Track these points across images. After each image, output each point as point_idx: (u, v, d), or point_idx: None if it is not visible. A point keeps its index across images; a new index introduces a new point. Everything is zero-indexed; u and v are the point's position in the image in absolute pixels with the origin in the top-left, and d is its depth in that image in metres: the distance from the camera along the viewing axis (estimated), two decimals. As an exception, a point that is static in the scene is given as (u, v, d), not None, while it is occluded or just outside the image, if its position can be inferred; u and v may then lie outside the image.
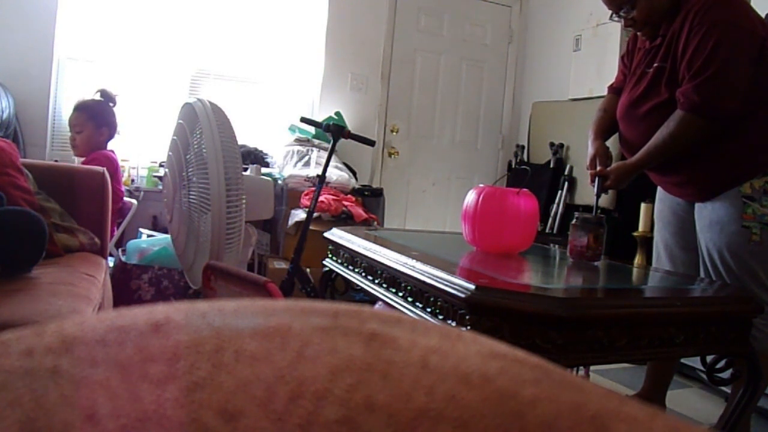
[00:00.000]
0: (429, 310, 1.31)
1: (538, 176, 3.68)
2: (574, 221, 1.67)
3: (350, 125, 3.68)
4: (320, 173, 2.56)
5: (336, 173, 3.40)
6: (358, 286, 1.71)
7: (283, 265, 2.95)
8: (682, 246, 1.91)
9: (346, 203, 3.22)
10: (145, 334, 0.26)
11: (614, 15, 1.80)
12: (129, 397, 0.23)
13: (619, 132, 1.92)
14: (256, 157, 3.51)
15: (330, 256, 1.97)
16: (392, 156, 4.21)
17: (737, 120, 1.65)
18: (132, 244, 2.71)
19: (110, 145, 2.71)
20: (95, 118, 2.61)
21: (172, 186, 2.10)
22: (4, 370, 0.23)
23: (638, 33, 1.84)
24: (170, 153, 2.12)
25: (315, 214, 2.65)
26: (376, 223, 3.24)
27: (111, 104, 2.68)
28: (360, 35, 4.03)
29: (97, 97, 2.67)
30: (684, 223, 1.89)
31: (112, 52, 3.53)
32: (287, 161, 3.51)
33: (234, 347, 0.26)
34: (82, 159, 2.64)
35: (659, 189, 2.00)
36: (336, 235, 1.90)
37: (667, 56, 1.70)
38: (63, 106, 3.41)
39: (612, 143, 1.95)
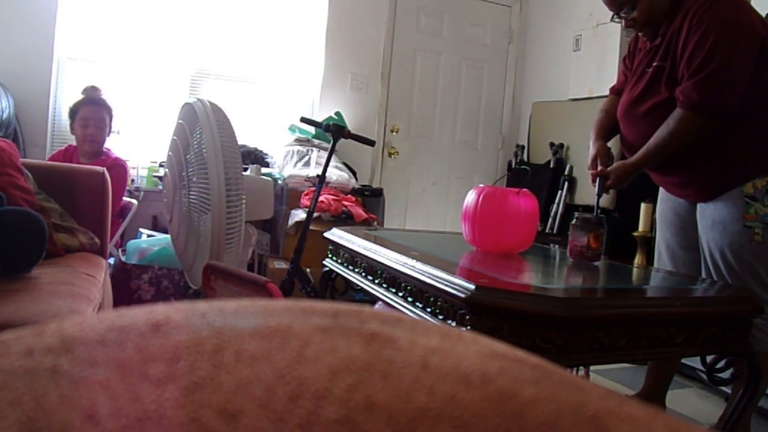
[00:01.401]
0: (429, 310, 1.31)
1: (538, 176, 3.67)
2: (574, 221, 1.66)
3: (350, 125, 3.68)
4: (320, 173, 2.56)
5: (336, 173, 3.40)
6: (358, 286, 1.71)
7: (283, 265, 2.95)
8: (684, 246, 1.91)
9: (346, 203, 3.22)
10: (145, 334, 0.26)
11: (615, 16, 1.80)
12: (129, 397, 0.23)
13: (620, 132, 1.91)
14: (256, 157, 3.51)
15: (330, 256, 1.97)
16: (392, 156, 4.21)
17: (738, 119, 1.64)
18: (132, 244, 2.71)
19: (106, 145, 2.75)
20: (111, 120, 2.72)
21: (172, 186, 2.10)
22: (4, 370, 0.23)
23: (639, 33, 1.84)
24: (170, 153, 2.12)
25: (315, 214, 2.65)
26: (376, 223, 3.24)
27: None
28: (360, 35, 4.03)
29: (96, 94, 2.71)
30: (686, 223, 1.88)
31: (112, 52, 3.53)
32: (287, 161, 3.51)
33: (234, 347, 0.26)
34: (93, 160, 2.64)
35: (661, 189, 2.00)
36: (336, 235, 1.90)
37: (667, 55, 1.70)
38: (63, 106, 3.41)
39: (613, 144, 1.95)
